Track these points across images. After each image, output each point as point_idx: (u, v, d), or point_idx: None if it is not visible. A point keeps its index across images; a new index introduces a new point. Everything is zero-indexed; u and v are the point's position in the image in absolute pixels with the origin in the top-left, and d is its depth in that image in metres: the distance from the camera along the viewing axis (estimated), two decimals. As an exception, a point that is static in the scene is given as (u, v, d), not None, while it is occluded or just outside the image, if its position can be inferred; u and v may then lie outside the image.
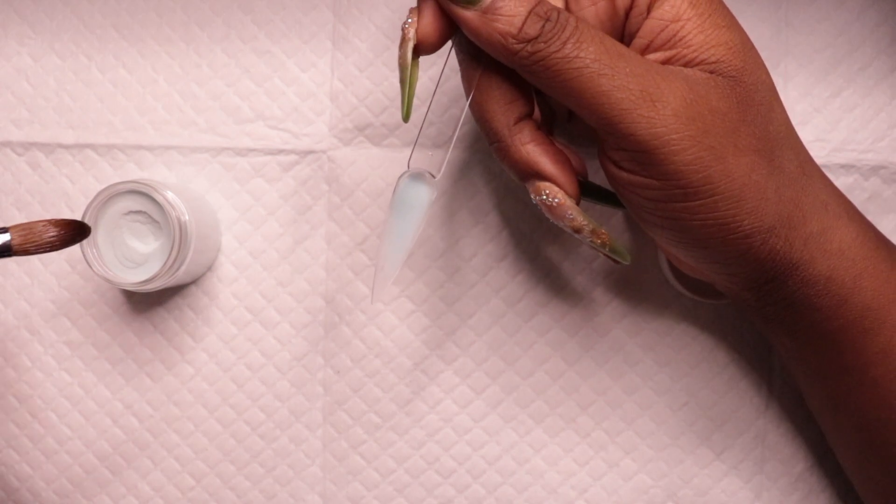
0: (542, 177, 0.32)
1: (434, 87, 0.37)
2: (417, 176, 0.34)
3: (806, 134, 0.42)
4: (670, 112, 0.30)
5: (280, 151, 0.44)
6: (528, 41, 0.30)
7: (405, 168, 0.35)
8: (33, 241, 0.33)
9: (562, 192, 0.33)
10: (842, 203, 0.34)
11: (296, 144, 0.44)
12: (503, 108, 0.32)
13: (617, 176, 0.32)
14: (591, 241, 0.34)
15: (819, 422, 0.39)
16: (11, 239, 0.33)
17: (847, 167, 0.43)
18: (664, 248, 0.36)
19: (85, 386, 0.44)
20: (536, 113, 0.35)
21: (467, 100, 0.33)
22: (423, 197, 0.34)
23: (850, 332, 0.34)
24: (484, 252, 0.43)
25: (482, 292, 0.43)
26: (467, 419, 0.44)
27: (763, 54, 0.42)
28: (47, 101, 0.44)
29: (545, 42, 0.30)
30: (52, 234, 0.34)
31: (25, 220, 0.44)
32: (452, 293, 0.44)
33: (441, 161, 0.36)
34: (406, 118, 0.33)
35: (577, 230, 0.33)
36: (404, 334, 0.44)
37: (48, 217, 0.44)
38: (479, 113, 0.33)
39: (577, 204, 0.33)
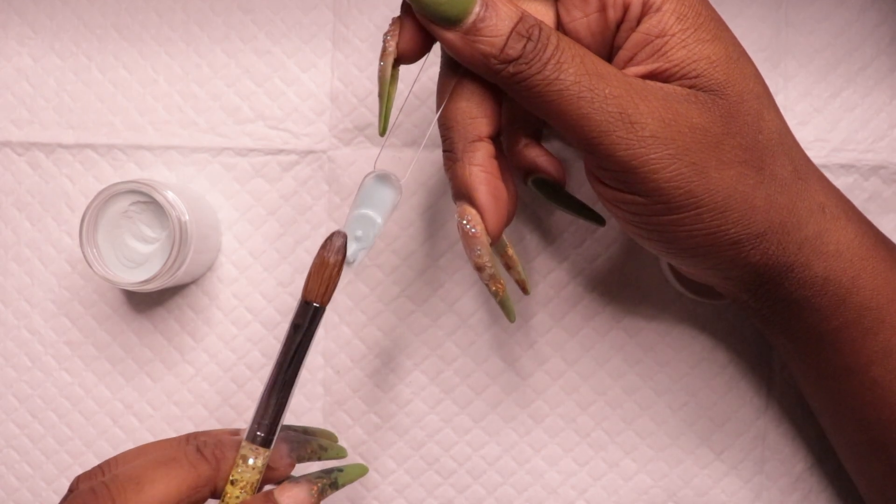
0: (473, 203, 0.32)
1: (407, 94, 0.37)
2: (383, 177, 0.34)
3: (806, 134, 0.42)
4: (648, 133, 0.30)
5: (280, 151, 0.44)
6: (510, 62, 0.30)
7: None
8: (328, 288, 0.33)
9: (482, 225, 0.32)
10: (840, 204, 0.34)
11: (296, 144, 0.44)
12: (466, 122, 0.32)
13: (602, 192, 0.33)
14: (487, 285, 0.33)
15: (820, 421, 0.39)
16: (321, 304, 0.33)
17: (847, 167, 0.43)
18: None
19: (85, 386, 0.44)
20: (500, 126, 0.34)
21: (437, 111, 0.33)
22: (387, 198, 0.34)
23: (850, 331, 0.34)
24: (484, 252, 0.43)
25: (482, 293, 0.43)
26: (467, 419, 0.44)
27: (763, 54, 0.43)
28: (47, 101, 0.44)
29: (526, 63, 0.30)
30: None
31: (26, 221, 0.44)
32: (452, 293, 0.44)
33: (408, 164, 0.35)
34: (383, 132, 0.33)
35: (479, 268, 0.33)
36: (404, 334, 0.44)
37: (49, 217, 0.44)
38: (443, 119, 0.33)
39: (492, 245, 0.33)
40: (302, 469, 0.36)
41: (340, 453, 0.37)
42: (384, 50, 0.32)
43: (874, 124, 0.43)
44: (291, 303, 0.44)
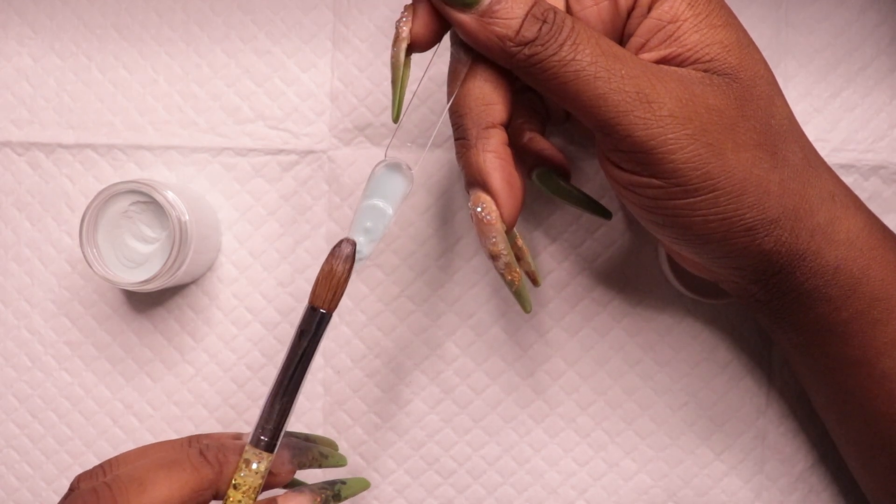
0: (487, 190, 0.32)
1: (417, 84, 0.36)
2: (394, 165, 0.34)
3: (806, 134, 0.42)
4: (666, 112, 0.30)
5: (280, 151, 0.44)
6: (526, 44, 0.30)
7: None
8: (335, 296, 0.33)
9: (497, 212, 0.32)
10: (849, 194, 0.35)
11: (296, 144, 0.44)
12: (479, 109, 0.32)
13: (617, 176, 0.32)
14: (502, 275, 0.33)
15: (825, 419, 0.39)
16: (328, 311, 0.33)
17: (847, 167, 0.43)
18: (669, 247, 0.36)
19: (85, 386, 0.44)
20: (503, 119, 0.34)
21: (449, 99, 0.33)
22: (398, 187, 0.33)
23: (859, 322, 0.34)
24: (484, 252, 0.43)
25: (482, 292, 0.43)
26: (467, 419, 0.44)
27: (763, 54, 0.43)
28: (47, 101, 0.44)
29: (542, 45, 0.30)
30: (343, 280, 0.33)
31: (26, 221, 0.44)
32: (452, 293, 0.44)
33: (419, 155, 0.35)
34: (396, 119, 0.33)
35: (494, 256, 0.32)
36: (404, 334, 0.44)
37: (49, 217, 0.44)
38: (455, 106, 0.33)
39: (507, 233, 0.33)
40: (301, 476, 0.36)
41: (340, 462, 0.37)
42: (397, 35, 0.32)
43: (874, 124, 0.43)
44: (291, 303, 0.44)
